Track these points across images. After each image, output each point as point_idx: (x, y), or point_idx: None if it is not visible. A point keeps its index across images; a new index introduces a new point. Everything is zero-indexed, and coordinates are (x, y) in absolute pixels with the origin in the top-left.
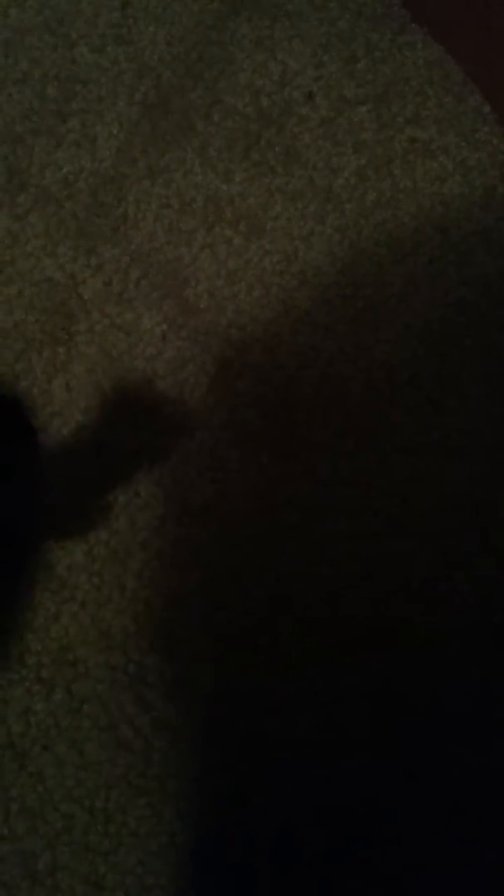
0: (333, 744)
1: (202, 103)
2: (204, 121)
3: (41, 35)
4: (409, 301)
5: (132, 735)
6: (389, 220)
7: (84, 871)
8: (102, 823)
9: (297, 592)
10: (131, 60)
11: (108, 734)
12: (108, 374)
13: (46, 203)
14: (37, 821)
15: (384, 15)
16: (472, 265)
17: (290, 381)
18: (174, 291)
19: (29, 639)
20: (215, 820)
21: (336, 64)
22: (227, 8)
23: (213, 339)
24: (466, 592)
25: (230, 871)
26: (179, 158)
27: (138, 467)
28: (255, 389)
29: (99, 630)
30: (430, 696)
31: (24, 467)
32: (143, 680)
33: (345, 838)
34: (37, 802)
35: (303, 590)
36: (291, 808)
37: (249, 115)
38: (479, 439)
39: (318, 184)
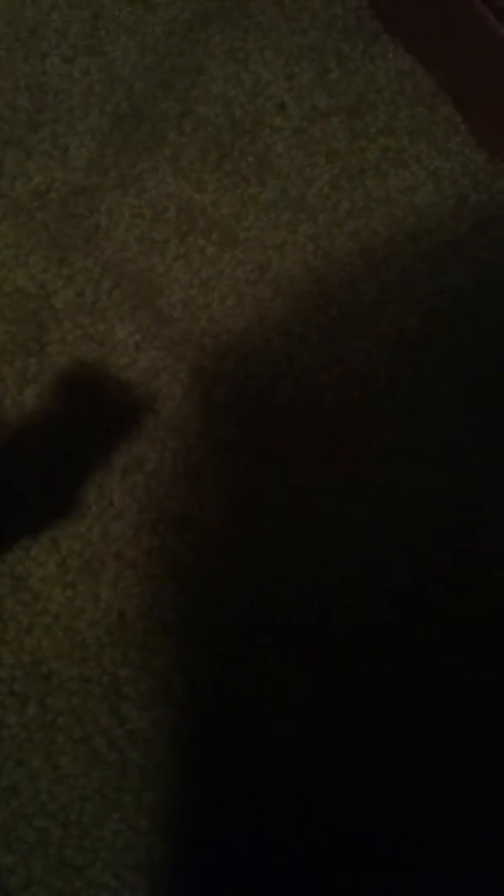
0: (314, 752)
1: (174, 114)
2: (176, 131)
3: (11, 46)
4: (383, 310)
5: (107, 748)
6: (362, 230)
7: (59, 885)
8: (77, 837)
9: (274, 601)
10: (103, 71)
11: (82, 747)
12: (81, 384)
13: (17, 213)
14: (10, 836)
15: (356, 26)
16: (444, 274)
17: (264, 390)
18: (147, 301)
19: (1, 652)
20: (193, 832)
21: (308, 75)
22: (199, 19)
23: (187, 349)
24: (445, 597)
25: (208, 884)
26: (152, 168)
27: (111, 477)
28: (230, 398)
29: (73, 642)
30: (412, 701)
31: None
32: (118, 692)
33: (328, 849)
34: (10, 817)
35: (280, 598)
36: (272, 820)
37: (222, 126)
38: (454, 445)
39: (291, 193)
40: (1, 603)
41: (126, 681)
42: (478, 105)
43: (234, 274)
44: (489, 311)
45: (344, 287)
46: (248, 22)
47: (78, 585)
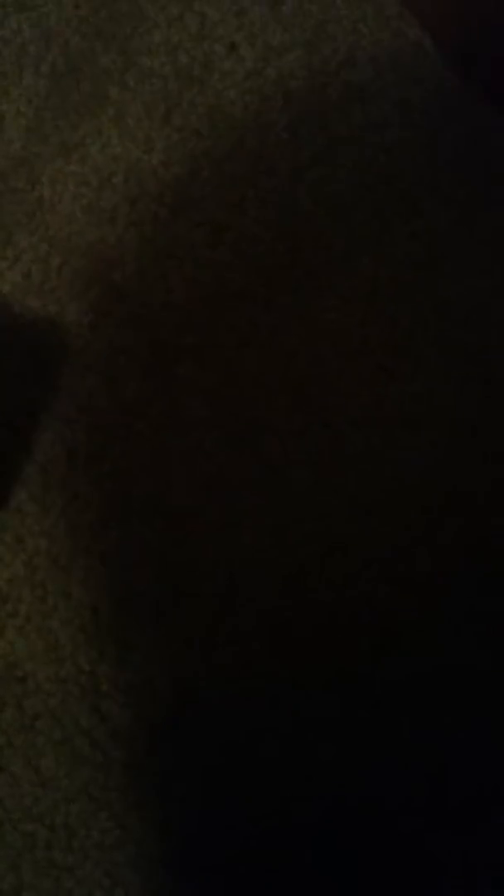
0: (300, 739)
1: (115, 68)
2: (118, 87)
3: None
4: (354, 261)
5: (89, 747)
6: (327, 176)
7: (50, 887)
8: (65, 839)
9: (253, 582)
10: (35, 28)
11: (63, 748)
12: (34, 372)
13: None
14: None
15: None
16: (419, 216)
17: (230, 361)
18: (99, 276)
19: None
20: (181, 827)
21: (259, 9)
22: None
23: (146, 324)
24: (429, 568)
25: (200, 878)
26: (95, 131)
27: (74, 468)
28: (194, 373)
29: (46, 643)
30: (399, 682)
31: None
32: (97, 690)
33: (315, 840)
34: None
35: (260, 579)
36: (259, 810)
37: (167, 76)
38: (436, 404)
39: (247, 144)
40: None
41: (104, 678)
42: (448, 25)
43: (190, 238)
44: (469, 253)
45: (310, 241)
46: None
47: (47, 584)
